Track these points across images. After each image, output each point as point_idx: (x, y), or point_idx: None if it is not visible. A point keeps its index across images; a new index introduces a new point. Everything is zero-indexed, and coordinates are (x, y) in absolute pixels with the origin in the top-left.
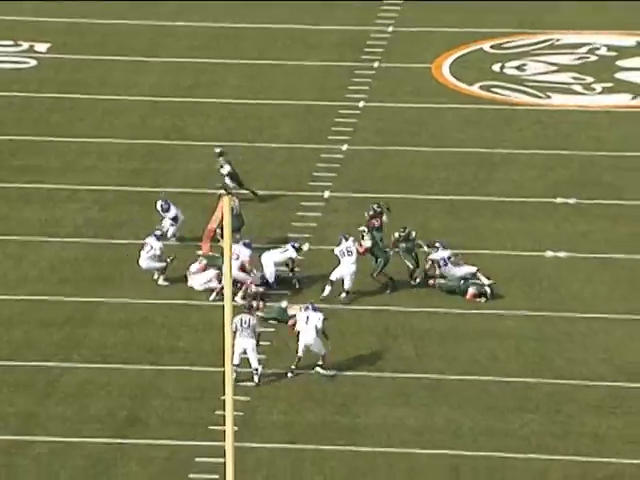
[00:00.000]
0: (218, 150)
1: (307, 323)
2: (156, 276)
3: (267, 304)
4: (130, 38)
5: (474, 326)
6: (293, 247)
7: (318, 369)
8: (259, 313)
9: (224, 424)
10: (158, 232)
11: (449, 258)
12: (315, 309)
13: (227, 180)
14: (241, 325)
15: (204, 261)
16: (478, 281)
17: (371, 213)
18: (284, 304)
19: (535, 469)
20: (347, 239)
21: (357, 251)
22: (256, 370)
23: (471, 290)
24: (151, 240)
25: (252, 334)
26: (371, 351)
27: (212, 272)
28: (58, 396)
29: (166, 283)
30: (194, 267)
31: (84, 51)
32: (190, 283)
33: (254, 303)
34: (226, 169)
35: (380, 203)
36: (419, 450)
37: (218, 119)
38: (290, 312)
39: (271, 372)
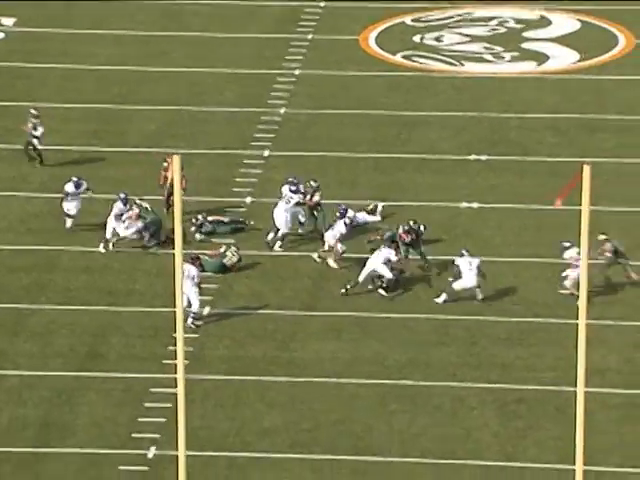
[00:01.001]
0: (34, 111)
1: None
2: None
3: (206, 257)
4: (88, 13)
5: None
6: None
7: (381, 291)
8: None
9: (175, 358)
10: (123, 195)
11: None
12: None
13: (36, 141)
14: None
15: (136, 210)
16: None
17: (406, 228)
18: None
19: (454, 395)
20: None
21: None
22: (194, 313)
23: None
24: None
25: (192, 282)
26: (307, 293)
27: (139, 225)
28: (26, 334)
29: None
30: (127, 213)
31: (47, 24)
32: (115, 225)
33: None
34: (39, 131)
35: (418, 222)
36: (350, 380)
37: (167, 86)
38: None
39: (217, 312)
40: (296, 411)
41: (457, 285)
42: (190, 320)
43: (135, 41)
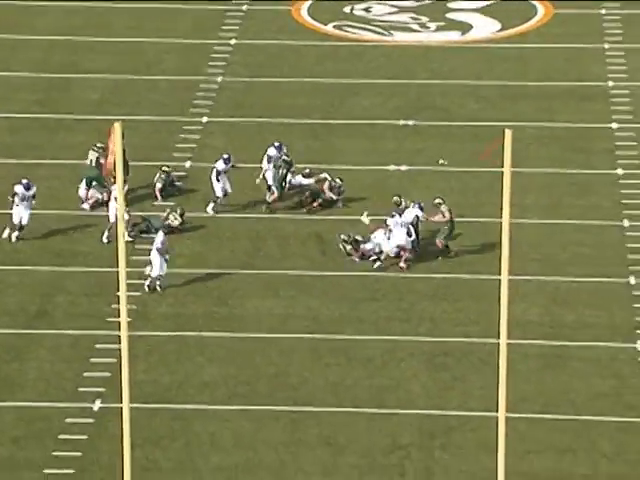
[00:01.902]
0: None
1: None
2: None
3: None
4: None
5: (331, 228)
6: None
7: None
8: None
9: (119, 316)
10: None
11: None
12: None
13: None
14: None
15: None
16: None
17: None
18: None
19: (384, 348)
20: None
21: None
22: (152, 276)
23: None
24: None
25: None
26: (244, 252)
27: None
28: None
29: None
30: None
31: None
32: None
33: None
34: None
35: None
36: (285, 335)
37: (109, 55)
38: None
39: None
40: (235, 365)
41: (388, 245)
42: (158, 283)
43: (79, 12)
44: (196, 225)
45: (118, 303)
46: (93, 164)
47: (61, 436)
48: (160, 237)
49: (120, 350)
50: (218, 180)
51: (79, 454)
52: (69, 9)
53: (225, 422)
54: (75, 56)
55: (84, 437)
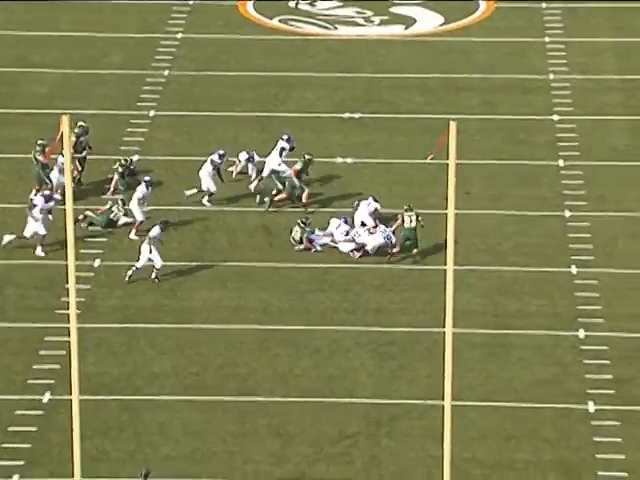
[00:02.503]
0: None
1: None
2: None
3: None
4: None
5: (279, 220)
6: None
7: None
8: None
9: (68, 309)
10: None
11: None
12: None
13: None
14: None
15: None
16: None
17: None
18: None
19: (331, 338)
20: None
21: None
22: (157, 270)
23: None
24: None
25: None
26: (192, 244)
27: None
28: None
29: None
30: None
31: None
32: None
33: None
34: None
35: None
36: (234, 326)
37: (57, 50)
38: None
39: (108, 264)
40: (184, 356)
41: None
42: (154, 274)
43: (26, 7)
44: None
45: (67, 296)
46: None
47: (11, 428)
48: (156, 230)
49: (69, 342)
50: (216, 172)
51: (29, 446)
52: (16, 4)
53: (174, 413)
54: (23, 50)
55: (34, 429)
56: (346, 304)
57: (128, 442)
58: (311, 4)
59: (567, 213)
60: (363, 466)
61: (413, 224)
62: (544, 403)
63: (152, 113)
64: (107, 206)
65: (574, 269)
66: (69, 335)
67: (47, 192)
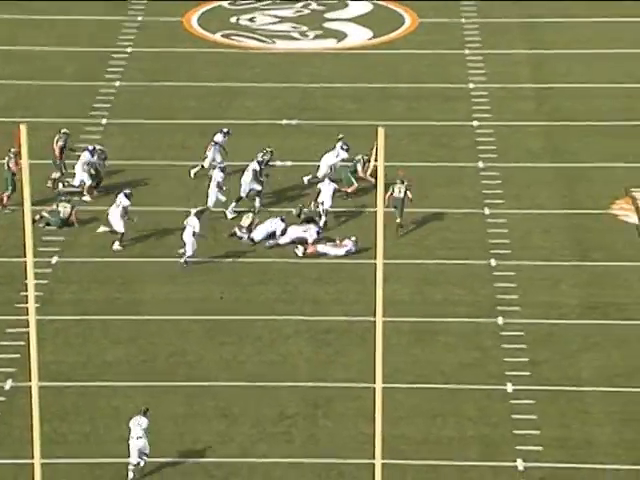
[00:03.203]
0: None
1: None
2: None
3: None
4: None
5: (223, 219)
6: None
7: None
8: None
9: (27, 302)
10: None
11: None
12: None
13: None
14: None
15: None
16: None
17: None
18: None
19: (272, 327)
20: None
21: None
22: (188, 256)
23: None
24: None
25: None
26: (144, 242)
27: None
28: None
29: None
30: None
31: None
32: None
33: None
34: None
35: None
36: (182, 317)
37: (14, 64)
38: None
39: (64, 261)
40: (136, 345)
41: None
42: (183, 260)
43: None
44: (96, 217)
45: (26, 290)
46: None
47: None
48: (195, 221)
49: (29, 333)
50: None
51: None
52: None
53: (127, 398)
54: None
55: None
56: (285, 295)
57: (84, 425)
58: (251, 20)
59: (486, 210)
60: (302, 444)
61: (401, 195)
62: (467, 384)
63: (104, 121)
64: (53, 207)
65: (493, 261)
66: (28, 326)
67: (127, 190)
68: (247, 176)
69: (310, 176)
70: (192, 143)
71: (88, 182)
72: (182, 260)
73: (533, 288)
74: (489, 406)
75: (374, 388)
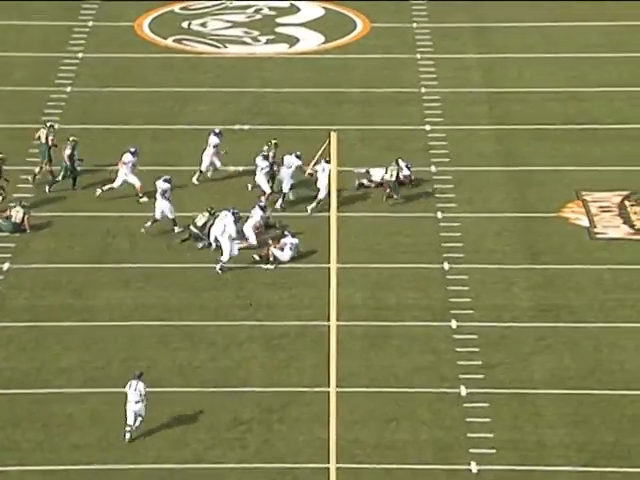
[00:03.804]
0: None
1: None
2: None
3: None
4: None
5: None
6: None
7: None
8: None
9: None
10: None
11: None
12: None
13: None
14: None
15: None
16: None
17: None
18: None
19: (225, 332)
20: None
21: None
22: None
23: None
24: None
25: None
26: (96, 248)
27: None
28: None
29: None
30: None
31: None
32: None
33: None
34: None
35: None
36: (136, 322)
37: None
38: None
39: (17, 267)
40: (90, 351)
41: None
42: (219, 266)
43: None
44: (47, 223)
45: None
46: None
47: None
48: (232, 225)
49: None
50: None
51: None
52: None
53: (81, 404)
54: None
55: None
56: (239, 301)
57: (38, 433)
58: (202, 25)
59: (439, 214)
60: (256, 449)
61: (393, 177)
62: (420, 388)
63: (57, 126)
64: (7, 212)
65: (446, 265)
66: None
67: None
68: (284, 172)
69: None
70: (144, 148)
71: (138, 184)
72: (218, 267)
73: (486, 291)
74: (443, 409)
75: (328, 392)
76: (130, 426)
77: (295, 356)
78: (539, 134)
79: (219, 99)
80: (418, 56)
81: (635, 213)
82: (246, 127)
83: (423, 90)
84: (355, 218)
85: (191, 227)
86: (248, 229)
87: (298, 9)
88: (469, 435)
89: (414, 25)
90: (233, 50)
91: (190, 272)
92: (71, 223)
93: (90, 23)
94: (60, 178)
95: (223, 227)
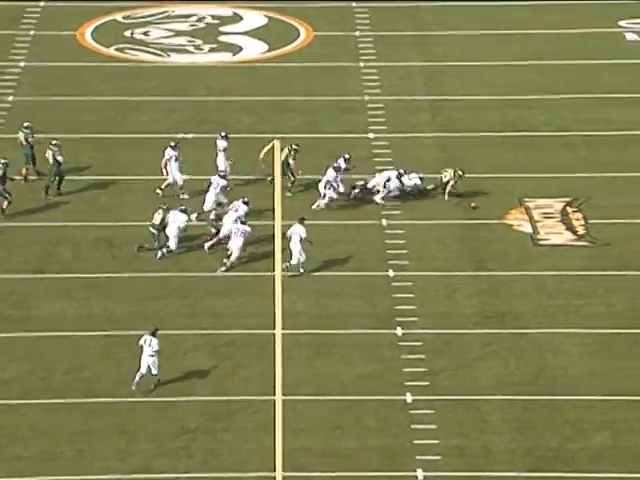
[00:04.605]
0: None
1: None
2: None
3: None
4: None
5: (119, 233)
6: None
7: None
8: None
9: None
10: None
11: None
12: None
13: None
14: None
15: None
16: None
17: None
18: None
19: (171, 341)
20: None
21: None
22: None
23: None
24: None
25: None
26: (37, 258)
27: None
28: None
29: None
30: None
31: None
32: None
33: None
34: None
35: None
36: (79, 333)
37: None
38: None
39: None
40: (31, 362)
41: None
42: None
43: None
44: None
45: None
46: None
47: None
48: (302, 229)
49: None
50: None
51: None
52: None
53: (22, 416)
54: None
55: None
56: (184, 309)
57: None
58: (145, 34)
59: (384, 222)
60: (202, 459)
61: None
62: (366, 395)
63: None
64: None
65: (391, 272)
66: None
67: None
68: (329, 174)
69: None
70: (87, 157)
71: (181, 181)
72: (298, 272)
73: (430, 298)
74: (389, 417)
75: (274, 401)
76: (142, 374)
77: (241, 364)
78: (481, 141)
79: (163, 108)
80: (361, 64)
81: (577, 219)
82: (190, 136)
83: (366, 98)
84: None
85: (150, 228)
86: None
87: (241, 18)
88: (415, 442)
89: (357, 33)
90: (176, 59)
91: (134, 282)
92: (12, 233)
93: (32, 32)
94: (51, 179)
95: (236, 217)
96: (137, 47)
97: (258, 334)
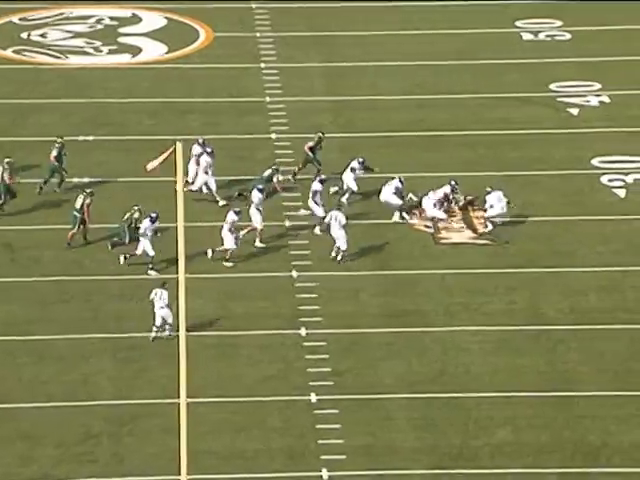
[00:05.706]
0: None
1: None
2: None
3: None
4: None
5: (21, 237)
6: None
7: None
8: None
9: None
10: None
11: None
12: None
13: None
14: None
15: None
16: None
17: None
18: None
19: (74, 346)
20: None
21: None
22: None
23: None
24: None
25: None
26: None
27: None
28: None
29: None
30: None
31: None
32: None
33: None
34: None
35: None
36: (15, 337)
37: None
38: None
39: None
40: None
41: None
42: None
43: None
44: None
45: None
46: None
47: None
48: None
49: None
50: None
51: None
52: None
53: None
54: None
55: None
56: (87, 313)
57: None
58: (42, 36)
59: (287, 223)
60: (106, 463)
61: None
62: (271, 396)
63: None
64: None
65: (295, 273)
66: None
67: (153, 214)
68: (347, 175)
69: None
70: None
71: (214, 186)
72: (338, 258)
73: (334, 298)
74: (293, 417)
75: (179, 404)
76: (157, 327)
77: (145, 368)
78: (383, 142)
79: (62, 110)
80: (262, 65)
81: (477, 218)
82: (90, 138)
83: (268, 99)
84: (203, 228)
85: (123, 224)
86: (225, 233)
87: (140, 19)
88: (320, 442)
89: (257, 34)
90: (75, 60)
91: (36, 285)
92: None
93: None
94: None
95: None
96: (35, 49)
97: (162, 337)
